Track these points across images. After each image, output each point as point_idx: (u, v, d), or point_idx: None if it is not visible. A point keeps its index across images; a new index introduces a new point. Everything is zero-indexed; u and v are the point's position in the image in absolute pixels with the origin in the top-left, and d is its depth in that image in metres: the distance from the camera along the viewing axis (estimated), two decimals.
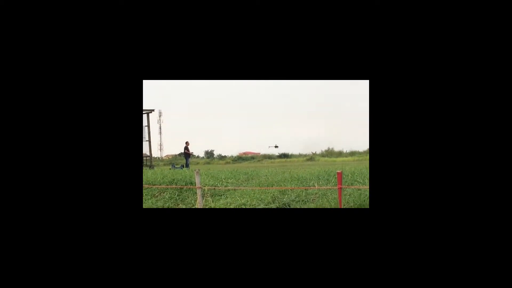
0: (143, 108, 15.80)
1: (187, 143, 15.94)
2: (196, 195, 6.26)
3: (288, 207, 5.85)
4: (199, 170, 6.23)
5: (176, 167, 15.21)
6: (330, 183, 7.23)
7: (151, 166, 14.63)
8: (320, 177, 8.00)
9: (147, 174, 9.12)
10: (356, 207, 5.17)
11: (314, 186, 6.97)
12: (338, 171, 4.88)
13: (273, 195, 6.39)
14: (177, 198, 7.06)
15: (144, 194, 6.77)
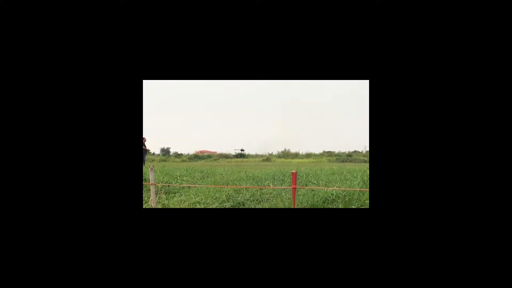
0: None
1: (143, 139, 15.61)
2: (150, 192, 6.14)
3: (243, 206, 5.86)
4: (153, 166, 6.10)
5: None
6: (285, 183, 7.32)
7: None
8: (275, 177, 8.09)
9: None
10: (309, 207, 5.26)
11: (269, 185, 7.03)
12: (293, 172, 4.94)
13: (228, 193, 6.38)
14: None
15: None
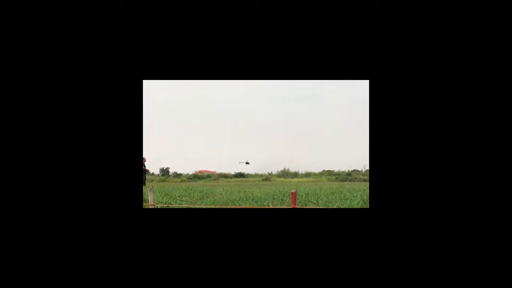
0: None
1: (143, 159, 15.57)
2: None
3: None
4: (152, 187, 6.10)
5: None
6: (285, 203, 7.29)
7: None
8: (275, 197, 8.07)
9: None
10: None
11: (268, 205, 7.01)
12: (292, 191, 4.94)
13: None
14: None
15: None
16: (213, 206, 6.37)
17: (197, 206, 6.17)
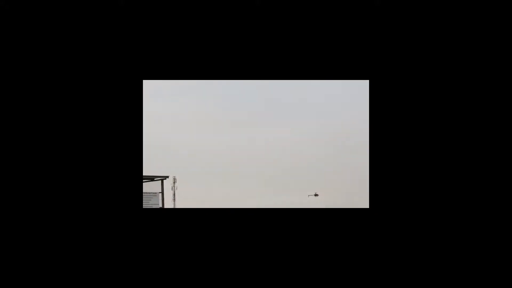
0: (158, 175, 15.73)
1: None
2: None
3: None
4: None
5: None
6: None
7: None
8: None
9: None
10: None
11: None
12: None
13: None
14: None
15: None
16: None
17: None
